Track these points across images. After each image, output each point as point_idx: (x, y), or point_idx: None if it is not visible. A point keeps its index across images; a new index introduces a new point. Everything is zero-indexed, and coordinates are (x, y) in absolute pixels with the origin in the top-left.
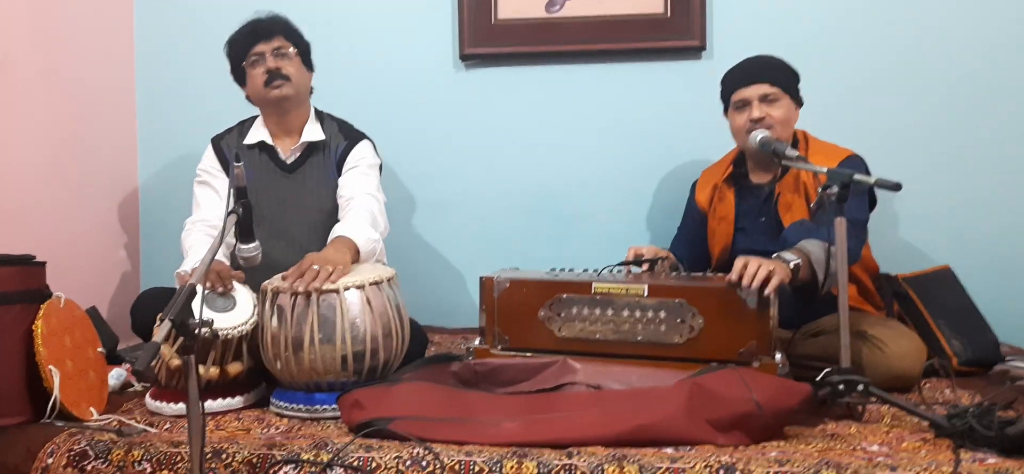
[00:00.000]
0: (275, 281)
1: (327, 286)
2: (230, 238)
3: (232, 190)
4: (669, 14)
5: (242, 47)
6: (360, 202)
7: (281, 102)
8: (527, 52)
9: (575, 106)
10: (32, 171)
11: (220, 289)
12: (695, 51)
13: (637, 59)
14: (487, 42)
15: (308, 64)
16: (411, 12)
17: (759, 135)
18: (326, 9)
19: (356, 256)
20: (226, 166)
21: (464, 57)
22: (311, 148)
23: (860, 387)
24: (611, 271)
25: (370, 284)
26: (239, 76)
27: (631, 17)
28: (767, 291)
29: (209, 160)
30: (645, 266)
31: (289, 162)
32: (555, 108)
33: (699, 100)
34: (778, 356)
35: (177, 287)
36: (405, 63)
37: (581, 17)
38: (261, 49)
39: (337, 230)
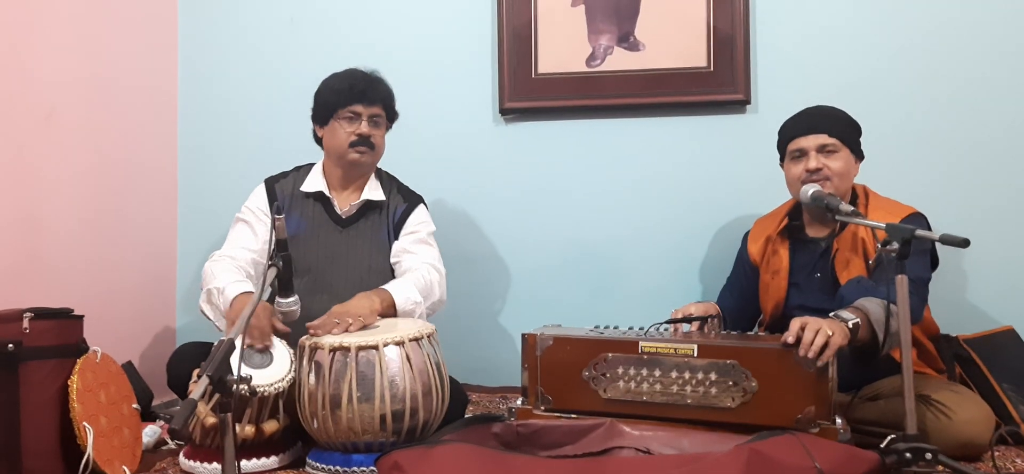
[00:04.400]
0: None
1: (366, 342)
2: (267, 291)
3: (273, 242)
4: (712, 68)
5: (342, 99)
6: (420, 272)
7: (357, 165)
8: (567, 106)
9: (616, 160)
10: (73, 223)
11: (260, 346)
12: (739, 105)
13: (680, 113)
14: (527, 96)
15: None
16: (451, 66)
17: (810, 189)
18: (366, 63)
19: (392, 309)
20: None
21: (504, 111)
22: (369, 206)
23: (928, 455)
24: (658, 329)
25: (409, 340)
26: (321, 118)
27: (674, 71)
28: (823, 359)
29: (258, 200)
30: (695, 324)
31: (345, 217)
32: (596, 162)
33: (743, 154)
34: (839, 421)
35: (204, 307)
36: (445, 117)
37: (622, 71)
38: (359, 110)
39: (384, 286)
